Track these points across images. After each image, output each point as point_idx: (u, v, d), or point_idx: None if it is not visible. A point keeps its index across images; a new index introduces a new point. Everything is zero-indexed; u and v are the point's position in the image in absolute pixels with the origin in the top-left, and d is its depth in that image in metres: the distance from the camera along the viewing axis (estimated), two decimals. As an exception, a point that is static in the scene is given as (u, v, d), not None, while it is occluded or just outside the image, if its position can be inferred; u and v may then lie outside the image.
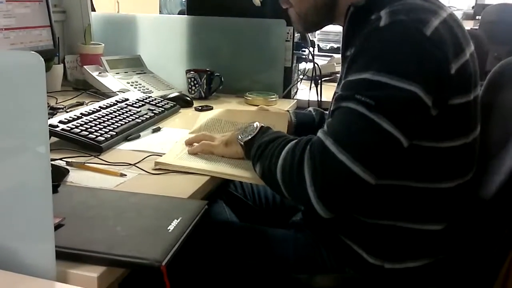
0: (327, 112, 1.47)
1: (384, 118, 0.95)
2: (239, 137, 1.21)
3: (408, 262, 1.09)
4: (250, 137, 1.18)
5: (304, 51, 2.07)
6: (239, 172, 1.20)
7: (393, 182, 1.06)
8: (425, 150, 1.03)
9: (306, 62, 2.16)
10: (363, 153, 0.96)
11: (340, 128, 0.99)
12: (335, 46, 3.17)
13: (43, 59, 0.69)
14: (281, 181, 1.04)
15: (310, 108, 1.52)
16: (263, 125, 1.21)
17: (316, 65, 2.04)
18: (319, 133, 1.01)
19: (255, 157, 1.13)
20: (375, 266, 1.09)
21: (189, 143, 1.32)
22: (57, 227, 0.84)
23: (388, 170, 1.01)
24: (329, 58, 2.59)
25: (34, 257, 0.74)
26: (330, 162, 0.97)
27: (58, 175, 1.11)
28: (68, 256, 0.78)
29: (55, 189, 1.01)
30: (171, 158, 1.25)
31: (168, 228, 0.87)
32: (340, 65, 2.52)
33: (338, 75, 2.52)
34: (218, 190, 1.38)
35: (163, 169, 1.20)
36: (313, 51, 2.07)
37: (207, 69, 2.01)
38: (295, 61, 2.07)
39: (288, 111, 1.50)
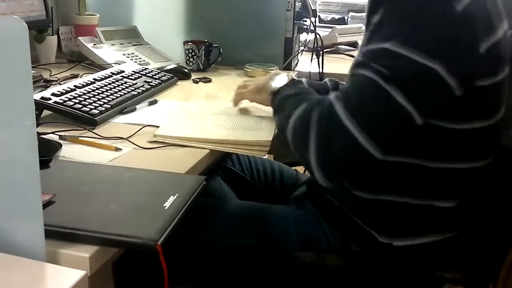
0: (342, 83, 1.42)
1: (398, 90, 0.91)
2: (269, 85, 1.21)
3: (417, 239, 1.05)
4: (278, 87, 1.18)
5: (306, 21, 2.01)
6: (245, 136, 1.18)
7: (405, 159, 1.01)
8: (443, 130, 0.98)
9: (307, 33, 2.09)
10: (371, 122, 0.92)
11: (352, 95, 0.95)
12: (337, 17, 3.09)
13: (26, 25, 0.63)
14: (291, 139, 1.03)
15: (326, 79, 1.48)
16: (295, 77, 1.20)
17: (318, 36, 1.98)
18: (331, 96, 0.98)
19: (276, 108, 1.14)
20: (384, 244, 1.06)
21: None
22: (48, 204, 0.80)
23: (399, 146, 0.97)
24: (330, 29, 2.52)
25: (22, 236, 0.70)
26: (336, 128, 0.93)
27: (50, 149, 1.07)
28: (58, 235, 0.74)
29: (46, 164, 0.97)
30: (169, 129, 1.21)
31: (164, 205, 0.83)
32: (342, 36, 2.48)
33: (340, 46, 2.48)
34: (215, 165, 1.34)
35: (159, 143, 1.16)
36: (315, 21, 2.01)
37: (206, 40, 1.95)
38: (296, 32, 2.01)
39: (301, 80, 1.46)
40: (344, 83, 1.36)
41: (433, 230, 1.06)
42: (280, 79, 1.20)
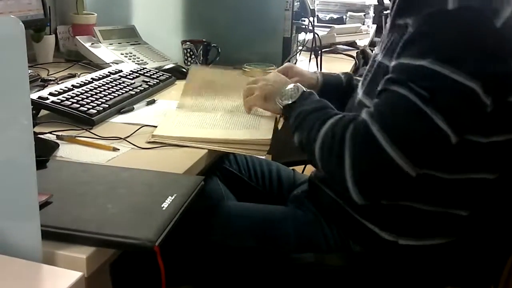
0: (357, 78, 1.41)
1: (438, 113, 0.89)
2: (278, 99, 1.18)
3: (425, 240, 1.05)
4: (290, 102, 1.14)
5: (304, 21, 2.00)
6: (244, 135, 1.18)
7: (427, 171, 1.00)
8: (470, 144, 0.97)
9: (306, 33, 2.09)
10: (410, 145, 0.91)
11: (389, 115, 0.93)
12: (335, 16, 3.09)
13: (23, 24, 0.63)
14: (319, 158, 0.99)
15: (339, 73, 1.46)
16: (305, 89, 1.16)
17: (316, 35, 1.98)
18: (365, 115, 0.95)
19: (293, 126, 1.10)
20: (388, 242, 1.05)
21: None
22: (44, 204, 0.79)
23: (428, 163, 0.97)
24: (328, 29, 2.52)
25: (18, 237, 0.69)
26: (373, 149, 0.91)
27: (47, 149, 1.06)
28: (55, 236, 0.73)
29: (43, 164, 0.97)
30: (168, 129, 1.21)
31: (162, 205, 0.82)
32: (340, 36, 2.48)
33: (339, 46, 2.48)
34: (212, 166, 1.33)
35: (158, 143, 1.15)
36: (314, 21, 2.00)
37: (204, 39, 1.94)
38: (294, 31, 2.00)
39: (315, 72, 1.45)
40: (359, 78, 1.35)
41: (441, 234, 1.05)
42: (287, 92, 1.16)
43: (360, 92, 1.14)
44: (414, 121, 0.91)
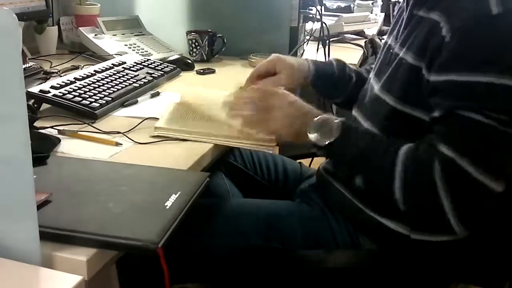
0: (350, 66, 1.37)
1: None
2: (311, 135, 1.02)
3: (437, 235, 1.01)
4: (327, 141, 1.01)
5: (311, 9, 1.96)
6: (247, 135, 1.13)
7: None
8: None
9: (313, 22, 2.05)
10: (503, 170, 0.90)
11: (475, 146, 0.89)
12: (342, 5, 3.04)
13: (16, 16, 0.59)
14: (402, 201, 0.94)
15: (332, 59, 1.40)
16: (343, 120, 1.01)
17: (324, 24, 1.93)
18: (447, 151, 0.90)
19: (351, 170, 1.05)
20: (400, 236, 1.02)
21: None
22: (43, 204, 0.77)
23: None
24: (336, 18, 2.48)
25: (15, 238, 0.67)
26: (472, 188, 0.89)
27: (48, 145, 1.03)
28: (54, 237, 0.71)
29: (43, 161, 0.94)
30: (170, 121, 1.18)
31: (166, 204, 0.79)
32: (348, 25, 2.43)
33: (347, 35, 2.44)
34: (217, 161, 1.30)
35: (162, 137, 1.12)
36: (321, 10, 1.96)
37: (209, 30, 1.91)
38: (301, 21, 1.96)
39: (306, 59, 1.37)
40: (368, 68, 1.30)
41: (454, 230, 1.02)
42: (321, 129, 1.01)
43: (376, 86, 1.09)
44: (500, 146, 0.89)
